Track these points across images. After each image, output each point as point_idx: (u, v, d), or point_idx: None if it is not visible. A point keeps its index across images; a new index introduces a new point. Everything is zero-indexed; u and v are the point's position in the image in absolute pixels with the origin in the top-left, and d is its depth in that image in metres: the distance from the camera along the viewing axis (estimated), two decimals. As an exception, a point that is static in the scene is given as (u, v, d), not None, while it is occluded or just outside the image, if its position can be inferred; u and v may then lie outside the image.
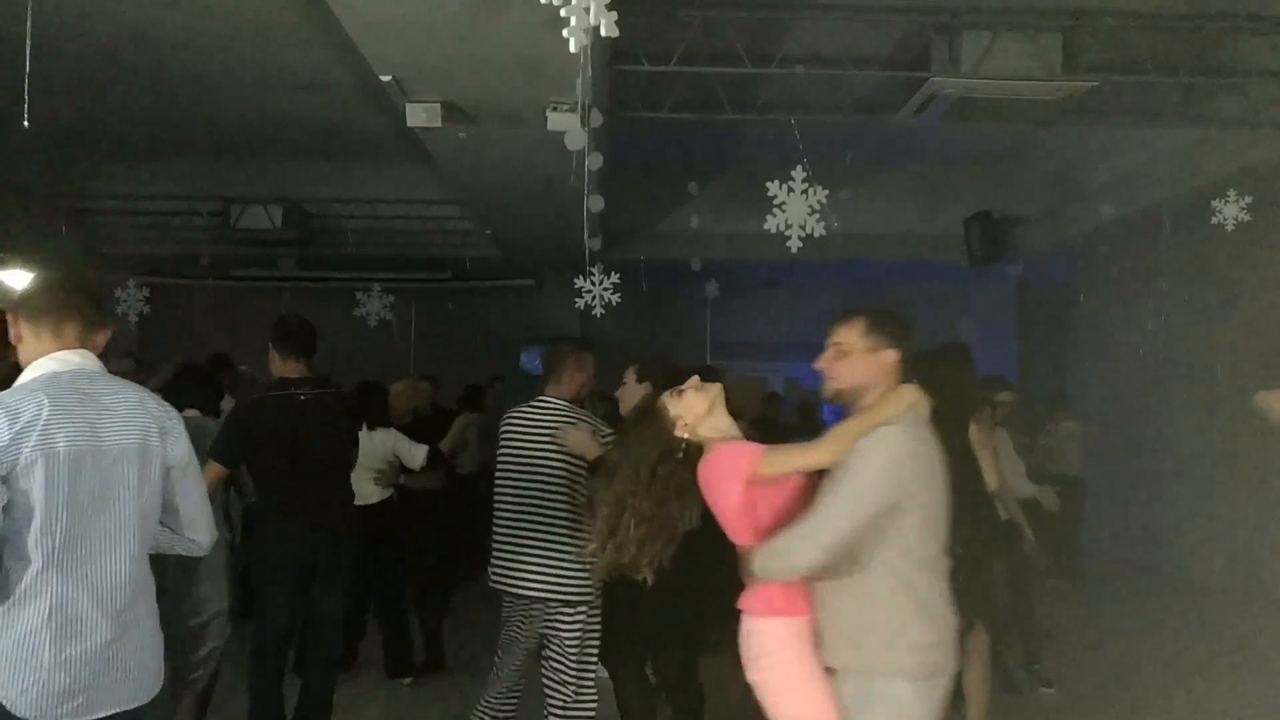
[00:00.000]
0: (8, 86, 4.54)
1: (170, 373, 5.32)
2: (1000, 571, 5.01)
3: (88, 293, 2.44)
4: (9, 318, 2.39)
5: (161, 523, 2.47)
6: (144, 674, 2.34)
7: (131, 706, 2.31)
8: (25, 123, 4.09)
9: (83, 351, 2.36)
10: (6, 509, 2.16)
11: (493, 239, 10.73)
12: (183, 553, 2.57)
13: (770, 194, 5.59)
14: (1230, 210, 6.36)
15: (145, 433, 2.36)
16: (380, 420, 5.72)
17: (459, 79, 5.64)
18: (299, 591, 4.14)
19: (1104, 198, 9.58)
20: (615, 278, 6.94)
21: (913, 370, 4.71)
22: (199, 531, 2.54)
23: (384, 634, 5.85)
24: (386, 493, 5.67)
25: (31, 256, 10.95)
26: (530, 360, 13.78)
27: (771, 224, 5.58)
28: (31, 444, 2.17)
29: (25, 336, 2.37)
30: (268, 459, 4.11)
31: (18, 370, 2.41)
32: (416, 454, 5.70)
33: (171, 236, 10.84)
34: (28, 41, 4.24)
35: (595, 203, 6.68)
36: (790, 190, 5.58)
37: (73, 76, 7.22)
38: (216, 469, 3.98)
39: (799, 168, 5.60)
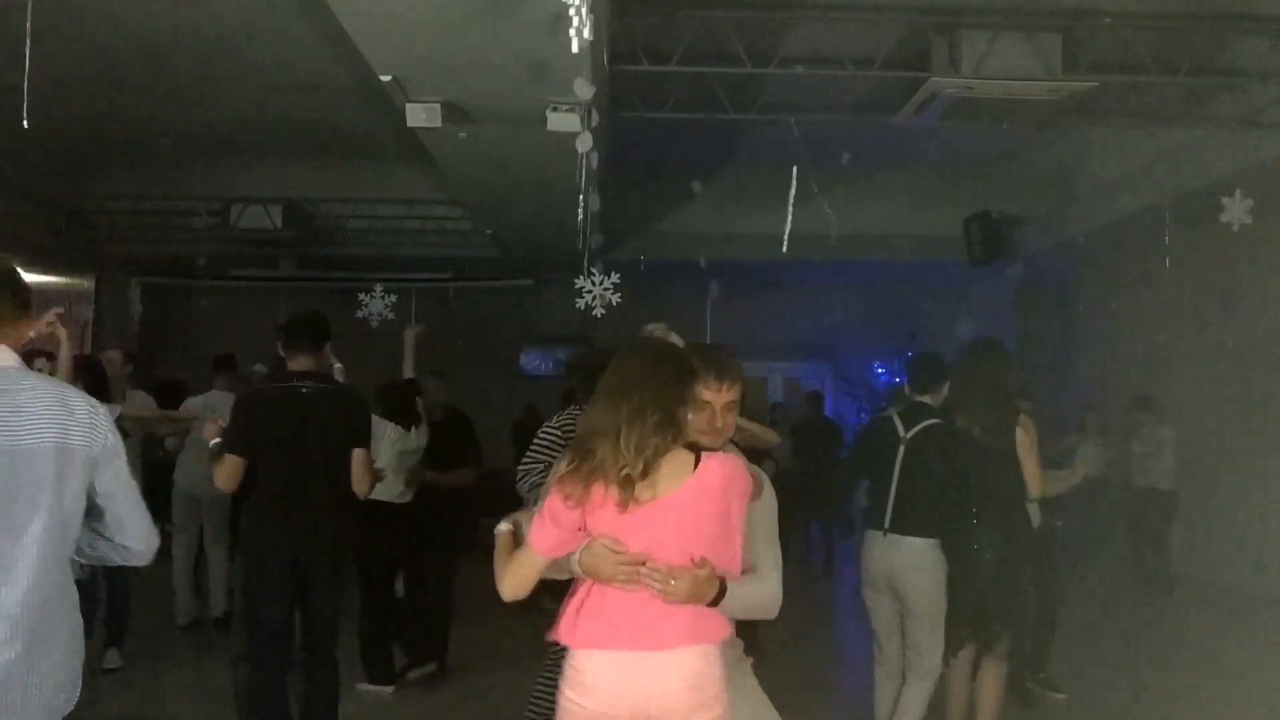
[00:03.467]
0: (8, 86, 4.54)
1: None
2: (1029, 578, 4.88)
3: (11, 284, 2.27)
4: None
5: (94, 529, 2.29)
6: (57, 691, 2.17)
7: None
8: (25, 123, 4.09)
9: (0, 347, 2.21)
10: None
11: (493, 239, 10.73)
12: (120, 562, 2.38)
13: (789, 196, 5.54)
14: (1237, 210, 6.35)
15: (65, 431, 2.18)
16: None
17: (459, 79, 5.64)
18: (289, 591, 4.03)
19: (1104, 197, 9.58)
20: (615, 278, 6.94)
21: (951, 370, 4.53)
22: (131, 538, 2.32)
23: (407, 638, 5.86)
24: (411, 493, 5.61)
25: (32, 256, 10.98)
26: (530, 360, 13.79)
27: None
28: None
29: None
30: (265, 450, 4.04)
31: None
32: (418, 435, 5.65)
33: (171, 236, 10.84)
34: (27, 42, 4.23)
35: (592, 202, 6.69)
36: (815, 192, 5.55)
37: (73, 77, 7.22)
38: (233, 460, 3.98)
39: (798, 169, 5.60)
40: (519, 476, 3.97)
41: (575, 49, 3.15)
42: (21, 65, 4.12)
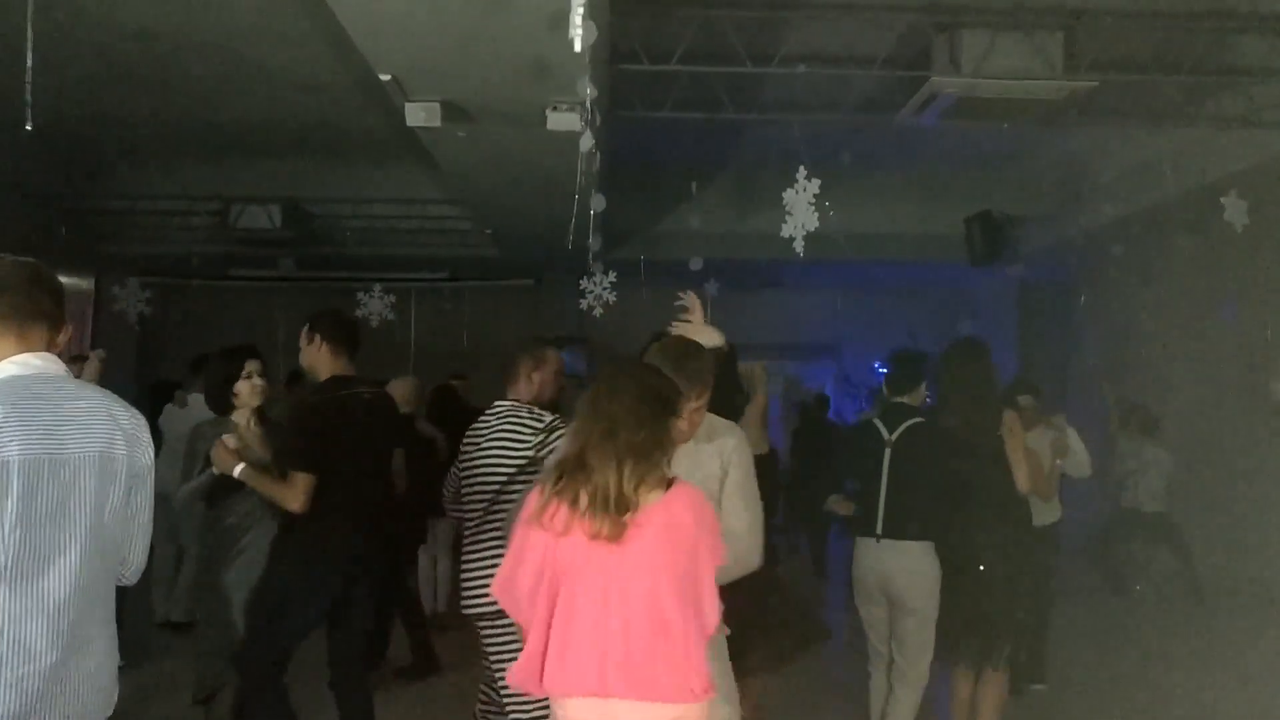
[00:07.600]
0: (8, 87, 4.53)
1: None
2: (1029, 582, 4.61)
3: (55, 293, 2.26)
4: None
5: None
6: (96, 694, 2.18)
7: None
8: (28, 125, 4.08)
9: (46, 355, 2.20)
10: None
11: (493, 239, 10.72)
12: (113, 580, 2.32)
13: (785, 204, 5.54)
14: (1238, 210, 6.33)
15: (109, 441, 2.18)
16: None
17: (459, 79, 5.64)
18: (332, 594, 3.89)
19: (1105, 197, 9.57)
20: (613, 277, 6.94)
21: (934, 370, 4.47)
22: (137, 552, 2.31)
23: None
24: None
25: (31, 256, 10.96)
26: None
27: (786, 230, 5.54)
28: None
29: None
30: (329, 460, 3.85)
31: None
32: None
33: (171, 236, 10.82)
34: (28, 42, 4.23)
35: (596, 202, 6.71)
36: (796, 193, 5.56)
37: (73, 76, 7.21)
38: (306, 479, 3.74)
39: (801, 169, 5.59)
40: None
41: (576, 49, 3.13)
42: (22, 65, 4.11)
